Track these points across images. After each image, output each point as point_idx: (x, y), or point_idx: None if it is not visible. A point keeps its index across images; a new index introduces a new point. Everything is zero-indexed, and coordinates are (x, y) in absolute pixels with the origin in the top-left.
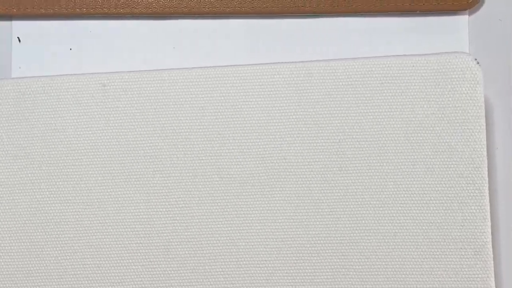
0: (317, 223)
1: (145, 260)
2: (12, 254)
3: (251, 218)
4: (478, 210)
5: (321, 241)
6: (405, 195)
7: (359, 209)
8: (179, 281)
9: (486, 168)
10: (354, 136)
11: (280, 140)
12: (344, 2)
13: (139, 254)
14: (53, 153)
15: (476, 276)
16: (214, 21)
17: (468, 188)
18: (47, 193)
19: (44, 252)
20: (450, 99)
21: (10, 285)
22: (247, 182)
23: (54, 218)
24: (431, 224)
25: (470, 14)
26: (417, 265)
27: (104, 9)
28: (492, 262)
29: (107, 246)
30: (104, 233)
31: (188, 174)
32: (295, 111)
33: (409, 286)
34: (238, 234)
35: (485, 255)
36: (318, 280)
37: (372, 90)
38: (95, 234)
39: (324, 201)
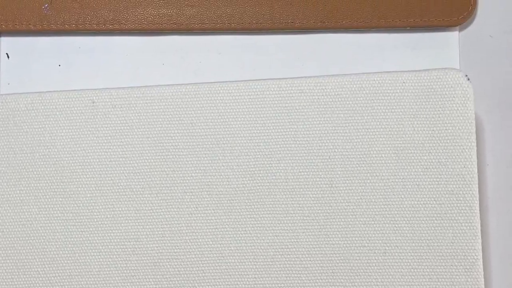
0: (307, 240)
1: (134, 277)
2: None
3: (240, 235)
4: (468, 227)
5: (311, 258)
6: (395, 212)
7: (349, 226)
8: None
9: (477, 185)
10: (344, 153)
11: (270, 157)
12: (334, 18)
13: (128, 270)
14: (42, 170)
15: None
16: (204, 37)
17: (458, 205)
18: (36, 209)
19: (32, 268)
20: (440, 115)
21: None
22: (237, 198)
23: (42, 234)
24: (421, 241)
25: (460, 30)
26: (408, 282)
27: (93, 25)
28: (483, 279)
29: (96, 262)
30: (93, 249)
31: (177, 191)
32: (285, 127)
33: None
34: (228, 250)
35: (476, 272)
36: None
37: (362, 107)
38: (84, 250)
39: (314, 217)
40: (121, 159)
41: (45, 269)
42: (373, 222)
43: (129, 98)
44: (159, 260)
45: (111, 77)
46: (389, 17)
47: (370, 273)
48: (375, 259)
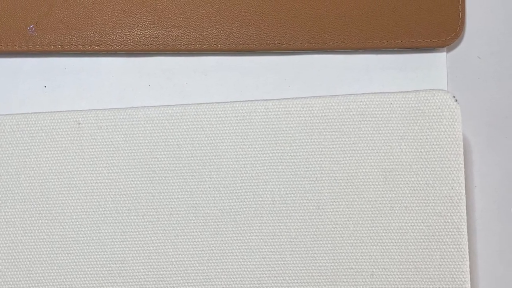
0: (294, 262)
1: None
2: None
3: (227, 257)
4: (456, 249)
5: (298, 280)
6: (383, 234)
7: (336, 247)
8: None
9: (465, 207)
10: (331, 174)
11: (257, 178)
12: (321, 39)
13: None
14: (27, 191)
15: None
16: (190, 58)
17: (446, 227)
18: (21, 231)
19: None
20: (428, 136)
21: None
22: (223, 220)
23: (28, 256)
24: (408, 263)
25: (448, 51)
26: None
27: (79, 46)
28: None
29: (82, 284)
30: (79, 271)
31: (163, 213)
32: (271, 148)
33: None
34: (214, 272)
35: None
36: None
37: (349, 128)
38: (70, 272)
39: (301, 239)
40: (107, 180)
41: None
42: (360, 244)
43: (115, 120)
44: (145, 282)
45: (97, 98)
46: (377, 38)
47: None
48: (362, 281)
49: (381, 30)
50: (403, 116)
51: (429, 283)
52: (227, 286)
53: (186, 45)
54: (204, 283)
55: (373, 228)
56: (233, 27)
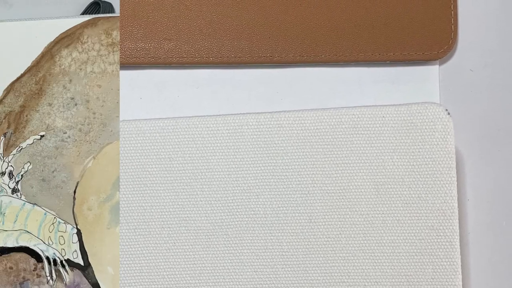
0: (286, 275)
1: None
2: None
3: (218, 270)
4: (448, 263)
5: None
6: (375, 247)
7: (328, 261)
8: None
9: (457, 220)
10: (323, 187)
11: (248, 192)
12: (313, 52)
13: None
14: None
15: None
16: (181, 71)
17: (438, 240)
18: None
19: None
20: (420, 150)
21: None
22: (215, 233)
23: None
24: (401, 276)
25: (440, 64)
26: None
27: None
28: None
29: None
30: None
31: (155, 226)
32: (263, 161)
33: None
34: (206, 286)
35: None
36: None
37: (341, 141)
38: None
39: (293, 253)
40: None
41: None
42: (352, 258)
43: None
44: None
45: None
46: (369, 51)
47: None
48: None
49: (373, 43)
50: (395, 129)
51: None
52: None
53: (178, 58)
54: None
55: (365, 242)
56: (225, 40)
